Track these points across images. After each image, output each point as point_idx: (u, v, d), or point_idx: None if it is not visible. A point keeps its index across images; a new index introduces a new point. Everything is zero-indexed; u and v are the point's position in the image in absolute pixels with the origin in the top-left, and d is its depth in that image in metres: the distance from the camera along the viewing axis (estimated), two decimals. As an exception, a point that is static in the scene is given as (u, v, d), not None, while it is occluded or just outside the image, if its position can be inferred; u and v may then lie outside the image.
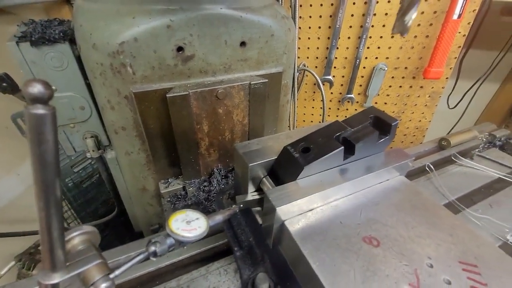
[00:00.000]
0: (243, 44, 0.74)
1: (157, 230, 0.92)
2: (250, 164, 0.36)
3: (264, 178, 0.38)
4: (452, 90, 1.47)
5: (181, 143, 0.77)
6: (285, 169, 0.36)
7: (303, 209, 0.33)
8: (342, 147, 0.34)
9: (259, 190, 0.39)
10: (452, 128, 1.88)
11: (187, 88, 0.70)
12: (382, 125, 0.37)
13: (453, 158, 0.75)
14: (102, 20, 0.63)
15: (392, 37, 1.03)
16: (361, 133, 0.36)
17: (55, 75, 0.72)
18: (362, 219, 0.32)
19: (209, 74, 0.75)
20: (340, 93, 1.21)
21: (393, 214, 0.33)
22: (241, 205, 0.37)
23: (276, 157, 0.37)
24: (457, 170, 0.72)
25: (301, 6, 1.02)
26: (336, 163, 0.36)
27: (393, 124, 0.37)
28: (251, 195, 0.39)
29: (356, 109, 1.24)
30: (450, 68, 1.07)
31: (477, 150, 0.78)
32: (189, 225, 0.36)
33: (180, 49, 0.67)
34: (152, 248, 0.33)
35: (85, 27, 0.64)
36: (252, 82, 0.77)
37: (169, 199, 0.83)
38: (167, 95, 0.67)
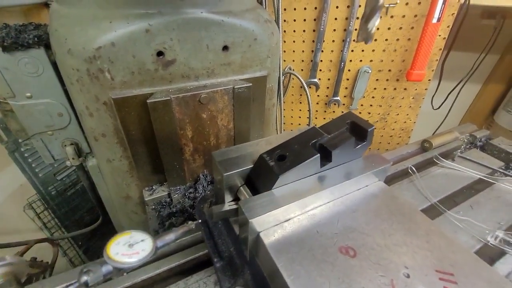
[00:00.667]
0: (225, 48, 0.73)
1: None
2: (225, 174, 0.35)
3: (241, 187, 0.37)
4: (436, 92, 1.50)
5: (164, 149, 0.76)
6: (260, 178, 0.35)
7: (280, 219, 0.32)
8: (318, 155, 0.34)
9: (236, 199, 0.38)
10: (437, 129, 1.92)
11: (169, 93, 0.69)
12: (359, 131, 0.37)
13: (435, 159, 0.76)
14: (78, 25, 0.61)
15: (375, 40, 1.04)
16: (338, 139, 0.36)
17: (30, 81, 0.70)
18: (339, 228, 0.32)
19: (192, 79, 0.73)
20: (327, 96, 1.21)
21: (370, 222, 0.33)
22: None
23: (252, 166, 0.36)
24: (439, 171, 0.73)
25: (285, 9, 1.02)
26: (313, 171, 0.36)
27: (369, 130, 0.37)
28: (228, 204, 0.38)
29: (342, 112, 1.25)
30: (432, 70, 1.09)
31: (458, 151, 0.80)
32: (131, 248, 0.34)
33: (160, 53, 0.66)
34: (84, 278, 0.31)
35: (60, 32, 0.62)
36: (236, 86, 0.76)
37: (153, 206, 0.81)
38: (147, 101, 0.66)
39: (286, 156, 0.33)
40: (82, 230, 1.25)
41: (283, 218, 0.33)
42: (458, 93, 1.84)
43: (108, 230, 1.76)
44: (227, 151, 0.40)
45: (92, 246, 1.76)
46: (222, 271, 0.40)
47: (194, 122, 0.76)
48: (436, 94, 1.64)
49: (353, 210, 0.34)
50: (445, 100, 1.79)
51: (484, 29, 1.84)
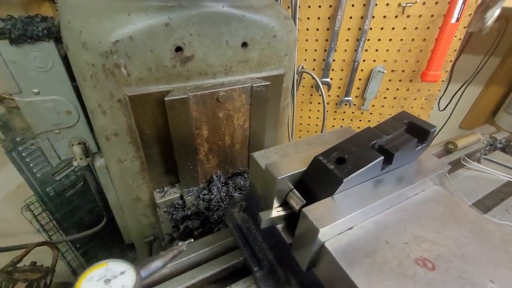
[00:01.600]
0: (244, 44, 0.70)
1: (152, 243, 0.86)
2: (279, 177, 0.32)
3: (291, 192, 0.34)
4: (444, 93, 1.50)
5: (179, 150, 0.72)
6: (318, 182, 0.32)
7: (343, 227, 0.30)
8: (382, 157, 0.31)
9: (283, 204, 0.36)
10: (440, 130, 1.92)
11: (186, 91, 0.66)
12: (418, 132, 0.35)
13: (462, 161, 0.74)
14: (93, 17, 0.57)
15: (390, 40, 1.03)
16: (398, 141, 0.33)
17: (38, 77, 0.66)
18: (408, 237, 0.29)
19: (209, 76, 0.70)
20: (338, 96, 1.19)
21: (439, 230, 0.30)
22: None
23: (305, 169, 0.33)
24: (467, 174, 0.71)
25: (299, 7, 1.00)
26: (373, 174, 0.33)
27: (431, 130, 0.35)
28: (276, 211, 0.35)
29: (353, 112, 1.23)
30: (446, 71, 1.08)
31: (482, 152, 0.79)
32: (107, 285, 0.28)
33: (178, 49, 0.62)
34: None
35: (73, 24, 0.58)
36: (254, 85, 0.73)
37: (165, 209, 0.78)
38: (165, 99, 0.62)
39: (346, 159, 0.31)
40: (84, 232, 1.20)
41: (346, 226, 0.30)
42: (461, 95, 1.85)
43: (108, 233, 1.71)
44: (267, 153, 0.37)
45: (91, 249, 1.70)
46: (264, 281, 0.38)
47: (211, 121, 0.73)
48: (442, 95, 1.65)
49: (417, 217, 0.32)
50: (450, 101, 1.80)
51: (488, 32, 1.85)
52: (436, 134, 1.99)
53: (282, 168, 0.33)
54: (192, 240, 0.35)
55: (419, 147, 0.35)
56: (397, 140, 0.34)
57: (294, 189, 0.34)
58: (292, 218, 0.33)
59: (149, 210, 0.86)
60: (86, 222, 1.68)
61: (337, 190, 0.30)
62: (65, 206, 1.53)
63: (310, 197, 0.32)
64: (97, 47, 0.56)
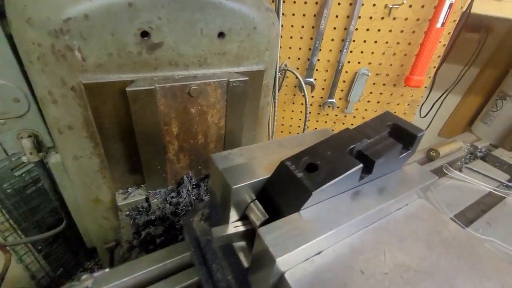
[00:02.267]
0: (221, 35, 0.64)
1: (113, 249, 0.78)
2: (234, 186, 0.26)
3: (251, 204, 0.29)
4: (426, 100, 1.51)
5: (144, 147, 0.65)
6: (283, 193, 0.27)
7: (310, 252, 0.24)
8: (361, 165, 0.26)
9: (243, 218, 0.30)
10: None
11: (153, 82, 0.59)
12: (403, 136, 0.30)
13: (444, 170, 0.72)
14: (41, -11, 0.49)
15: (376, 42, 1.00)
16: (381, 146, 0.29)
17: (-23, 57, 0.57)
18: (388, 265, 0.25)
19: (181, 67, 0.64)
20: (321, 97, 1.16)
21: (425, 256, 0.26)
22: (218, 242, 0.27)
23: (269, 176, 0.28)
24: (449, 183, 0.69)
25: (284, 2, 0.95)
26: (350, 185, 0.28)
27: (418, 135, 0.30)
28: (233, 226, 0.29)
29: (336, 115, 1.20)
30: (429, 77, 1.07)
31: (463, 161, 0.78)
32: None
33: (145, 34, 0.56)
34: None
35: (17, -4, 0.50)
36: (231, 80, 0.67)
37: (128, 212, 0.70)
38: (127, 89, 0.55)
39: (318, 166, 0.26)
40: (44, 234, 1.10)
41: (314, 251, 0.25)
42: (442, 103, 1.88)
43: (74, 233, 1.58)
44: (230, 155, 0.31)
45: (54, 251, 1.57)
46: (217, 309, 0.32)
47: (181, 117, 0.66)
48: (424, 102, 1.66)
49: (399, 238, 0.27)
50: (431, 108, 1.82)
51: (467, 42, 1.89)
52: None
53: (240, 175, 0.27)
54: (108, 270, 0.28)
55: (404, 154, 0.31)
56: (379, 145, 0.29)
57: (256, 201, 0.28)
58: (252, 235, 0.28)
59: (110, 213, 0.78)
60: (50, 222, 1.55)
61: (305, 204, 0.25)
62: (25, 204, 1.40)
63: (275, 211, 0.27)
64: (44, 24, 0.48)
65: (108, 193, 0.74)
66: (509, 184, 0.71)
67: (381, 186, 0.30)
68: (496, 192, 0.66)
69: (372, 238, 0.27)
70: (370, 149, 0.28)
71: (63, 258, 1.70)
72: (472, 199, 0.64)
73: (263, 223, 0.25)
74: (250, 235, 0.29)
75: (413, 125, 0.32)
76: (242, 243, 0.30)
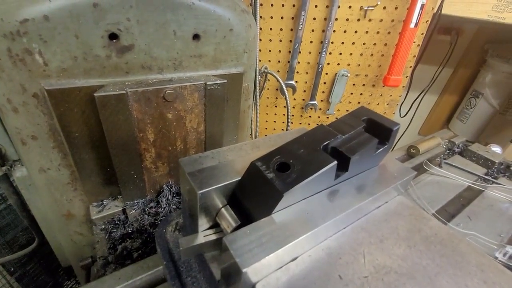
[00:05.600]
0: (196, 37, 0.62)
1: (89, 266, 0.73)
2: (200, 191, 0.24)
3: (222, 209, 0.26)
4: (404, 99, 1.54)
5: (118, 156, 0.62)
6: (253, 197, 0.25)
7: (283, 259, 0.22)
8: (336, 162, 0.25)
9: (215, 225, 0.28)
10: (401, 136, 1.99)
11: (124, 87, 0.56)
12: (379, 131, 0.29)
13: (424, 166, 0.73)
14: (-5, -12, 0.46)
15: (353, 43, 1.01)
16: (356, 142, 0.27)
17: None
18: (368, 268, 0.23)
19: (155, 71, 0.61)
20: (303, 100, 1.16)
21: (405, 255, 0.24)
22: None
23: (239, 178, 0.26)
24: (429, 179, 0.70)
25: (261, 5, 0.95)
26: (325, 185, 0.27)
27: (394, 129, 0.29)
28: (204, 235, 0.27)
29: (319, 116, 1.20)
30: (406, 77, 1.10)
31: (442, 157, 0.79)
32: None
33: (113, 36, 0.53)
34: None
35: (-32, -3, 0.46)
36: (208, 83, 0.65)
37: (103, 226, 0.66)
38: (95, 94, 0.52)
39: (290, 165, 0.24)
40: (13, 255, 1.02)
41: (288, 257, 0.23)
42: (420, 103, 1.95)
43: (49, 252, 1.48)
44: (200, 158, 0.29)
45: (28, 272, 1.47)
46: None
47: (157, 123, 0.64)
48: (403, 102, 1.70)
49: (379, 238, 0.26)
50: (410, 108, 1.88)
51: (440, 44, 1.98)
52: (398, 140, 2.06)
53: (209, 178, 0.25)
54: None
55: (381, 149, 0.30)
56: (354, 140, 0.28)
57: (228, 206, 0.26)
58: (225, 244, 0.26)
59: (85, 228, 0.73)
60: (23, 241, 1.45)
61: (276, 206, 0.23)
62: (-6, 223, 1.30)
63: (246, 216, 0.25)
64: (-2, 26, 0.44)
65: (81, 207, 0.69)
66: (486, 177, 0.73)
67: (359, 184, 0.28)
68: (475, 186, 0.67)
69: (351, 239, 0.25)
70: (345, 145, 0.27)
71: (39, 279, 1.59)
72: (452, 193, 0.65)
73: (235, 230, 0.23)
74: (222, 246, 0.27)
75: (389, 119, 0.31)
76: (215, 253, 0.28)
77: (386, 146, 0.30)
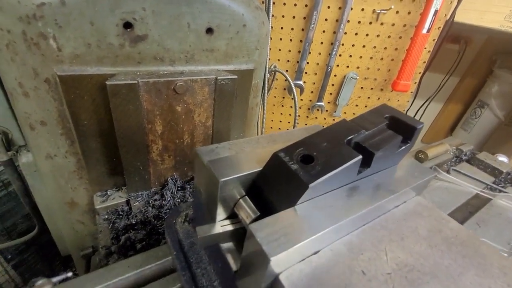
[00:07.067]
0: (209, 31, 0.62)
1: (90, 256, 0.72)
2: (222, 179, 0.24)
3: (241, 200, 0.26)
4: (411, 106, 1.54)
5: (125, 146, 0.61)
6: (276, 187, 0.24)
7: (306, 252, 0.22)
8: (361, 156, 0.25)
9: (232, 216, 0.27)
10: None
11: (136, 76, 0.56)
12: (402, 129, 0.29)
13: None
14: (13, -30, 0.46)
15: (364, 46, 1.01)
16: (379, 138, 0.27)
17: None
18: (391, 265, 0.23)
19: (166, 63, 0.61)
20: (310, 101, 1.16)
21: (427, 254, 0.24)
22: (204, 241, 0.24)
23: (260, 169, 0.25)
24: (438, 185, 0.70)
25: (274, 3, 0.94)
26: (347, 179, 0.26)
27: (418, 127, 0.29)
28: (221, 225, 0.26)
29: (325, 118, 1.20)
30: (415, 83, 1.09)
31: (449, 164, 0.79)
32: None
33: (128, 25, 0.53)
34: None
35: (-15, -23, 0.46)
36: (219, 77, 0.65)
37: (106, 216, 0.66)
38: (107, 82, 0.52)
39: (314, 157, 0.23)
40: (12, 241, 1.01)
41: (310, 250, 0.22)
42: (425, 110, 1.94)
43: (48, 240, 1.48)
44: (217, 149, 0.28)
45: (25, 260, 1.46)
46: (201, 319, 0.28)
47: (166, 115, 0.63)
48: (409, 108, 1.70)
49: (399, 236, 0.25)
50: (415, 115, 1.87)
51: (448, 53, 1.97)
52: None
53: (229, 167, 0.25)
54: (71, 274, 0.25)
55: (403, 148, 0.30)
56: (377, 137, 0.28)
57: (246, 197, 0.26)
58: (242, 235, 0.25)
59: (87, 217, 0.73)
60: (22, 229, 1.45)
61: (300, 198, 0.23)
62: (-6, 209, 1.30)
63: (267, 208, 0.24)
64: (15, 8, 0.44)
65: (85, 196, 0.69)
66: (494, 186, 0.72)
67: (379, 182, 0.28)
68: (483, 194, 0.67)
69: (371, 236, 0.25)
70: (369, 141, 0.27)
71: (36, 268, 1.59)
72: (461, 200, 0.65)
73: (254, 221, 0.22)
74: (239, 235, 0.26)
75: (412, 117, 0.30)
76: (229, 245, 0.28)
77: (408, 144, 0.30)
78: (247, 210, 0.25)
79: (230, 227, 0.26)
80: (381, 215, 0.28)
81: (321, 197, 0.25)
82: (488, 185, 0.73)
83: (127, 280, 0.35)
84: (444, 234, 0.27)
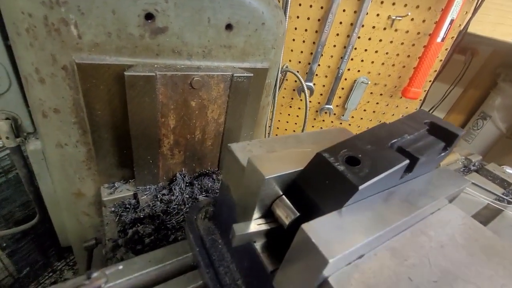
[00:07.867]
0: (229, 27, 0.61)
1: (93, 248, 0.71)
2: (268, 177, 0.23)
3: (278, 199, 0.25)
4: (415, 114, 1.55)
5: (137, 139, 0.61)
6: (322, 188, 0.24)
7: (351, 256, 0.22)
8: (408, 161, 0.24)
9: (266, 216, 0.27)
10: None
11: (154, 69, 0.55)
12: (442, 135, 0.29)
13: None
14: (37, -47, 0.45)
15: (376, 51, 1.01)
16: (422, 143, 0.27)
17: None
18: (435, 272, 0.22)
19: (184, 57, 0.60)
20: (319, 103, 1.15)
21: (468, 263, 0.24)
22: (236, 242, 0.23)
23: (302, 168, 0.25)
24: None
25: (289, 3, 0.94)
26: (391, 184, 0.26)
27: (460, 134, 0.29)
28: (256, 223, 0.26)
29: (332, 121, 1.19)
30: (425, 91, 1.10)
31: (459, 173, 0.79)
32: None
33: (149, 16, 0.52)
34: None
35: (9, -41, 0.45)
36: (235, 75, 0.64)
37: (113, 209, 0.65)
38: (125, 73, 0.51)
39: (360, 159, 0.23)
40: (10, 229, 1.00)
41: (356, 254, 0.22)
42: (429, 119, 1.95)
43: (44, 231, 1.46)
44: (248, 146, 0.28)
45: (20, 249, 1.44)
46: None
47: (180, 109, 0.63)
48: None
49: (439, 244, 0.25)
50: (418, 123, 1.88)
51: (454, 63, 1.98)
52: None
53: (271, 165, 0.24)
54: (121, 267, 0.24)
55: (442, 154, 0.29)
56: (420, 142, 0.27)
57: (283, 196, 0.25)
58: (277, 235, 0.25)
59: (92, 209, 0.72)
60: (18, 217, 1.43)
61: (349, 200, 0.22)
62: (-8, 196, 1.28)
63: (306, 209, 0.24)
64: (38, -8, 0.43)
65: (92, 187, 0.68)
66: (504, 197, 0.73)
67: (416, 188, 0.28)
68: (494, 205, 0.67)
69: (412, 242, 0.25)
70: (412, 145, 0.26)
71: (30, 257, 1.57)
72: (472, 210, 0.65)
73: (294, 222, 0.22)
74: (273, 234, 0.26)
75: (452, 124, 0.30)
76: (262, 243, 0.27)
77: (447, 151, 0.30)
78: (286, 210, 0.25)
79: (265, 227, 0.26)
80: (419, 221, 0.28)
81: (364, 200, 0.24)
82: (499, 196, 0.73)
83: (149, 274, 0.34)
84: (481, 243, 0.27)
